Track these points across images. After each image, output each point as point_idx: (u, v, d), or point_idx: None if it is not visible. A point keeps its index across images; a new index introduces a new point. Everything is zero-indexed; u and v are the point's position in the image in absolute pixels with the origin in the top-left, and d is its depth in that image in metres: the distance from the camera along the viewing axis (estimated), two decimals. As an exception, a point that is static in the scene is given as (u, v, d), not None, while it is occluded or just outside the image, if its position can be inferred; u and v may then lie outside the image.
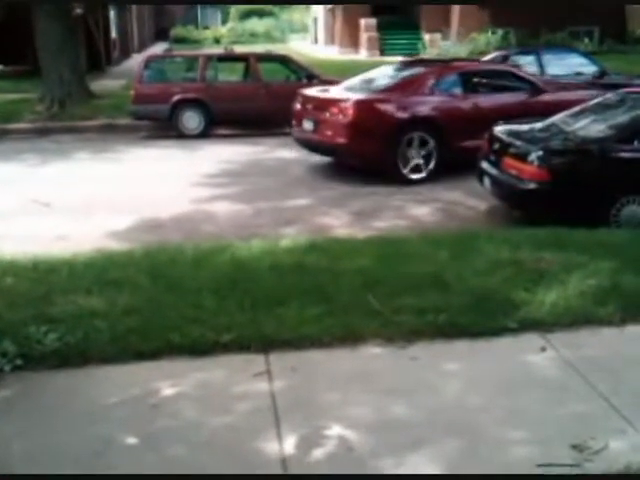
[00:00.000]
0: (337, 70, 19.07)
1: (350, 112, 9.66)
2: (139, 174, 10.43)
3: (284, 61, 15.49)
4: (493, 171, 8.15)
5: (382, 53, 31.67)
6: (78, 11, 20.52)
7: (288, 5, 48.17)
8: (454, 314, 5.08)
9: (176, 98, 14.30)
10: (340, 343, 4.82)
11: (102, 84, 21.30)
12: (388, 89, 10.35)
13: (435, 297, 5.34)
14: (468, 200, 9.10)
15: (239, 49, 19.54)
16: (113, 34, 30.74)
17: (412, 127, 9.83)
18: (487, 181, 8.29)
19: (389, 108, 9.93)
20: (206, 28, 50.27)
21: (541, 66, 15.12)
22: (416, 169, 9.89)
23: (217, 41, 44.02)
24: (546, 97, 10.75)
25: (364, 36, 32.67)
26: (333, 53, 33.92)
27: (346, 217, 8.57)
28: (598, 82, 13.74)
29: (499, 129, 8.49)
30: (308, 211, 8.73)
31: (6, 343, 4.68)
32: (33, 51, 18.80)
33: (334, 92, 10.77)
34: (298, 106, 10.91)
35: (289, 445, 3.75)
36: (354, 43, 33.68)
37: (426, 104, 10.08)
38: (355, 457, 3.66)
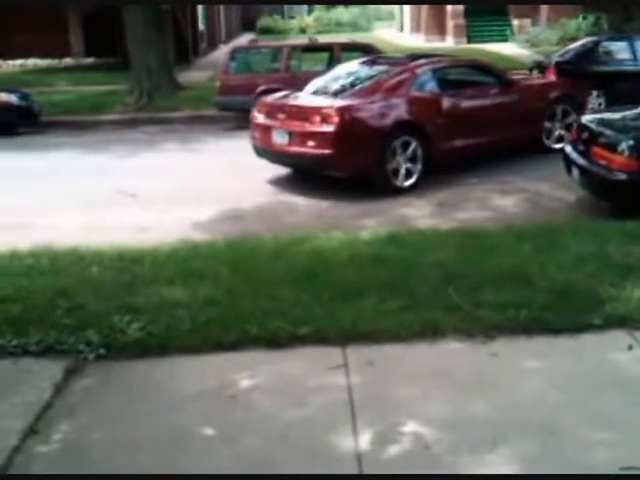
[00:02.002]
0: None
1: (335, 120, 8.69)
2: (223, 165, 10.54)
3: (368, 50, 15.38)
4: (581, 161, 7.91)
5: (469, 40, 31.14)
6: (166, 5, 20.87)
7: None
8: (537, 310, 4.96)
9: (261, 89, 14.38)
10: (419, 337, 4.76)
11: (189, 75, 21.63)
12: (367, 92, 9.40)
13: (517, 292, 5.22)
14: (555, 191, 8.85)
15: (324, 39, 19.52)
16: (200, 26, 31.18)
17: (399, 131, 9.07)
18: (575, 172, 8.05)
19: (375, 113, 9.13)
20: (292, 18, 50.41)
21: (634, 53, 14.49)
22: (407, 175, 9.12)
23: (303, 31, 44.08)
24: (517, 91, 10.48)
25: (451, 23, 32.16)
26: (419, 41, 33.54)
27: (428, 208, 8.46)
28: None
29: (588, 118, 8.24)
30: (389, 202, 8.65)
31: (90, 332, 4.81)
32: (123, 43, 19.23)
33: (305, 99, 9.81)
34: (261, 117, 9.77)
35: (364, 441, 3.73)
36: (440, 30, 33.20)
37: (409, 106, 9.33)
38: (431, 455, 3.61)
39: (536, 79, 12.03)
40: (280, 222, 8.01)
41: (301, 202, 8.83)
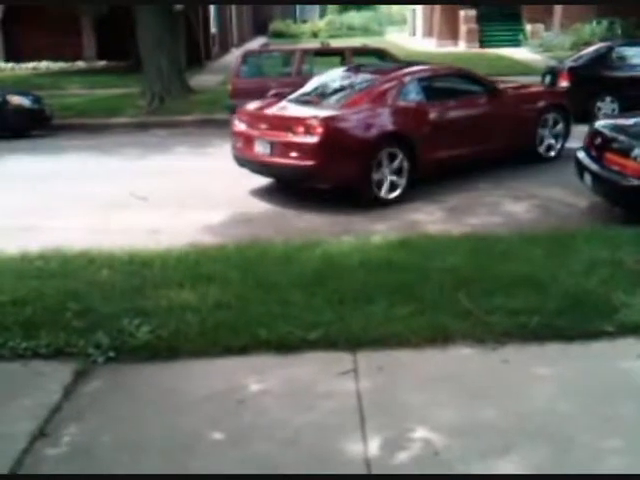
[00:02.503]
0: (433, 62, 18.80)
1: (319, 131, 8.38)
2: (233, 169, 10.52)
3: (380, 54, 15.36)
4: (594, 167, 7.86)
5: (482, 45, 31.10)
6: (178, 7, 20.91)
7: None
8: (548, 316, 4.93)
9: (272, 92, 14.36)
10: (429, 343, 4.74)
11: (201, 79, 21.68)
12: (352, 102, 9.11)
13: (529, 298, 5.19)
14: (567, 197, 8.81)
15: (336, 43, 19.52)
16: (213, 29, 31.24)
17: (384, 143, 8.80)
18: (588, 177, 8.01)
19: (359, 124, 8.81)
20: (304, 22, 50.48)
21: None
22: (391, 187, 8.83)
23: (315, 35, 44.13)
24: (503, 100, 10.23)
25: (463, 28, 32.11)
26: (431, 46, 33.50)
27: (439, 213, 8.43)
28: None
29: (601, 123, 8.19)
30: (401, 207, 8.62)
31: (100, 335, 4.81)
32: (135, 46, 19.29)
33: (288, 108, 9.53)
34: (242, 126, 9.51)
35: (374, 446, 3.71)
36: (453, 35, 33.14)
37: (395, 117, 9.07)
38: (441, 461, 3.58)
39: (525, 88, 11.64)
40: (290, 226, 8.00)
41: (312, 206, 8.79)
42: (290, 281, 5.62)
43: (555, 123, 10.74)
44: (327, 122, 8.54)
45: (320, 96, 9.73)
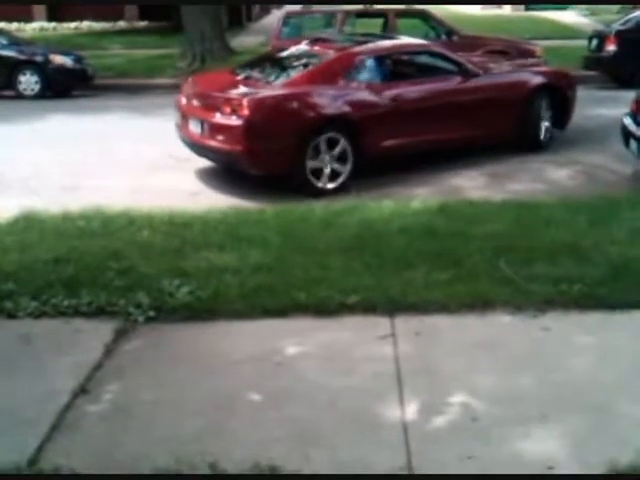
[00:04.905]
0: (478, 26, 18.56)
1: (245, 113, 7.51)
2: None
3: (423, 17, 15.14)
4: (640, 134, 7.71)
5: (527, 8, 30.50)
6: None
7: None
8: (590, 284, 4.87)
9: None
10: (468, 309, 4.71)
11: (241, 40, 21.59)
12: (293, 82, 8.23)
13: (571, 266, 5.13)
14: (611, 164, 8.66)
15: (380, 6, 19.25)
16: (254, -11, 31.01)
17: (324, 128, 7.82)
18: (633, 144, 7.85)
19: (295, 106, 7.89)
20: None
21: None
22: (332, 176, 7.89)
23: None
24: (481, 81, 9.05)
25: (508, -10, 31.55)
26: (475, 9, 32.94)
27: (481, 179, 8.33)
28: None
29: (648, 89, 8.00)
30: (441, 171, 8.53)
31: (140, 295, 4.85)
32: (176, 7, 19.24)
33: (226, 85, 8.51)
34: (183, 99, 8.67)
35: (411, 411, 3.70)
36: (498, -2, 32.57)
37: (338, 99, 8.01)
38: (479, 427, 3.57)
39: (515, 66, 10.24)
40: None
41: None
42: (329, 245, 5.61)
43: (548, 108, 9.47)
44: (255, 103, 7.66)
45: (269, 73, 8.80)
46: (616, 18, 18.05)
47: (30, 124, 11.76)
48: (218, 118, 7.77)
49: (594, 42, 15.26)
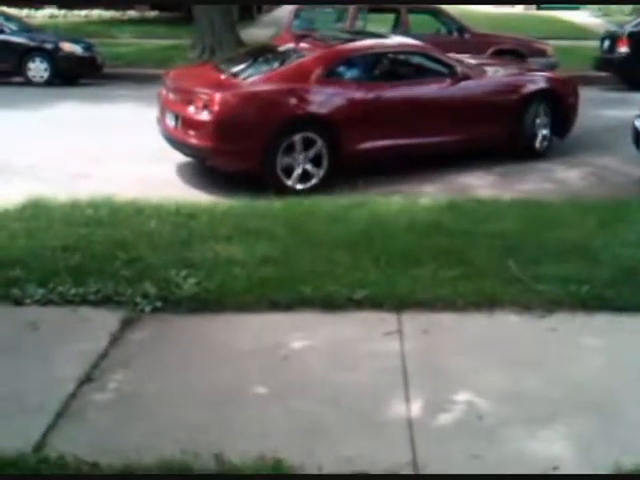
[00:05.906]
0: (490, 24, 18.50)
1: (215, 108, 7.38)
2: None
3: (435, 13, 15.08)
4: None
5: (539, 7, 30.40)
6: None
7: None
8: (598, 286, 4.85)
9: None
10: (475, 308, 4.70)
11: (252, 32, 21.52)
12: (267, 78, 7.98)
13: (579, 267, 5.11)
14: (622, 166, 8.63)
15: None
16: (266, -18, 30.90)
17: (297, 127, 7.65)
18: (644, 146, 7.84)
19: (267, 103, 7.73)
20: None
21: None
22: (303, 177, 7.68)
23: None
24: (470, 84, 8.72)
25: (520, -11, 31.43)
26: (488, 7, 32.85)
27: (490, 178, 8.31)
28: None
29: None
30: (450, 169, 8.51)
31: (147, 285, 4.84)
32: (187, -2, 19.23)
33: (204, 78, 8.40)
34: (163, 92, 8.50)
35: (416, 408, 3.69)
36: (510, -4, 32.44)
37: (314, 98, 7.84)
38: (484, 425, 3.56)
39: (510, 70, 9.85)
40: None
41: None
42: (337, 240, 5.60)
43: (547, 115, 9.10)
44: (225, 99, 7.52)
45: (249, 68, 8.53)
46: (629, 19, 17.99)
47: (39, 111, 11.75)
48: (190, 113, 7.67)
49: (606, 43, 15.20)
